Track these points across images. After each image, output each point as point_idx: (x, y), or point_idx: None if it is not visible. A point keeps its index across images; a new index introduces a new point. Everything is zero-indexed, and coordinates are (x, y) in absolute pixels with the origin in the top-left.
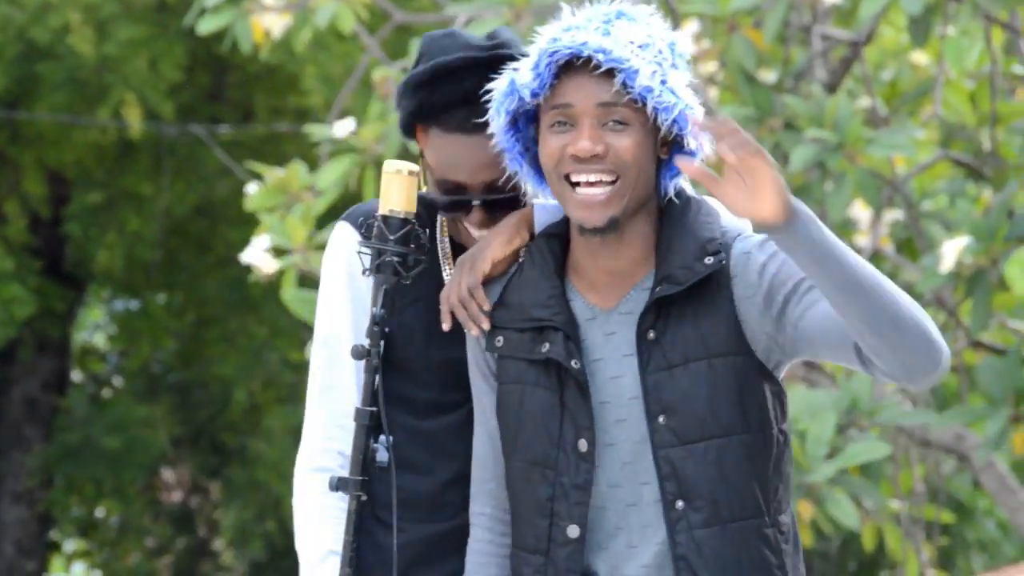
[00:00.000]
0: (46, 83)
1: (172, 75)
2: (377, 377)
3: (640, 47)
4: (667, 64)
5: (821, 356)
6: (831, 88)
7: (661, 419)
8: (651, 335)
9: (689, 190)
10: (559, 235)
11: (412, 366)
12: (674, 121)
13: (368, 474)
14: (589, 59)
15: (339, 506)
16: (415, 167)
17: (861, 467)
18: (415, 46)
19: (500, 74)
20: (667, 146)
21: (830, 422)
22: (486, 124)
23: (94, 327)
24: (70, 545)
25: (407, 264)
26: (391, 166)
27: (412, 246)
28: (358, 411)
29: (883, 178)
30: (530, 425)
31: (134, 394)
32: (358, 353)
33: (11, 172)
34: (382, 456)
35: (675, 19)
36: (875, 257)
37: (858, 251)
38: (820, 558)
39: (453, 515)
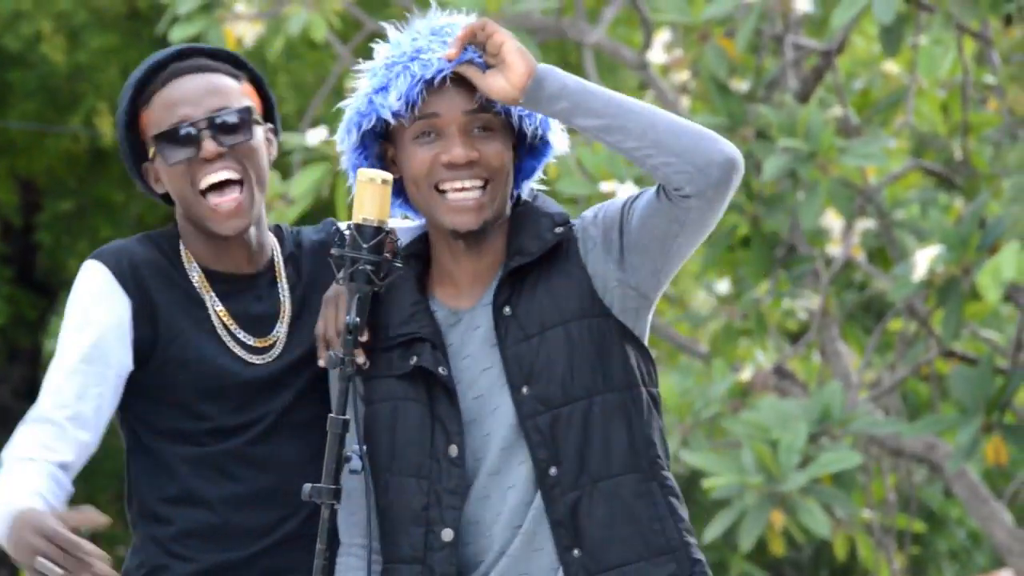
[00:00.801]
0: (18, 91)
1: None
2: (350, 385)
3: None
4: None
5: (656, 247)
6: (803, 97)
7: (524, 389)
8: (507, 310)
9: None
10: (416, 254)
11: (185, 397)
12: (538, 125)
13: (340, 483)
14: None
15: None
16: (388, 176)
17: (833, 476)
18: None
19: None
20: (515, 151)
21: (802, 432)
22: (200, 66)
23: None
24: None
25: (380, 273)
26: (364, 174)
27: (385, 254)
28: (331, 419)
29: (855, 187)
30: (403, 439)
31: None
32: (332, 362)
33: None
34: (355, 464)
35: (647, 28)
36: (847, 266)
37: (830, 261)
38: (792, 567)
39: (247, 544)
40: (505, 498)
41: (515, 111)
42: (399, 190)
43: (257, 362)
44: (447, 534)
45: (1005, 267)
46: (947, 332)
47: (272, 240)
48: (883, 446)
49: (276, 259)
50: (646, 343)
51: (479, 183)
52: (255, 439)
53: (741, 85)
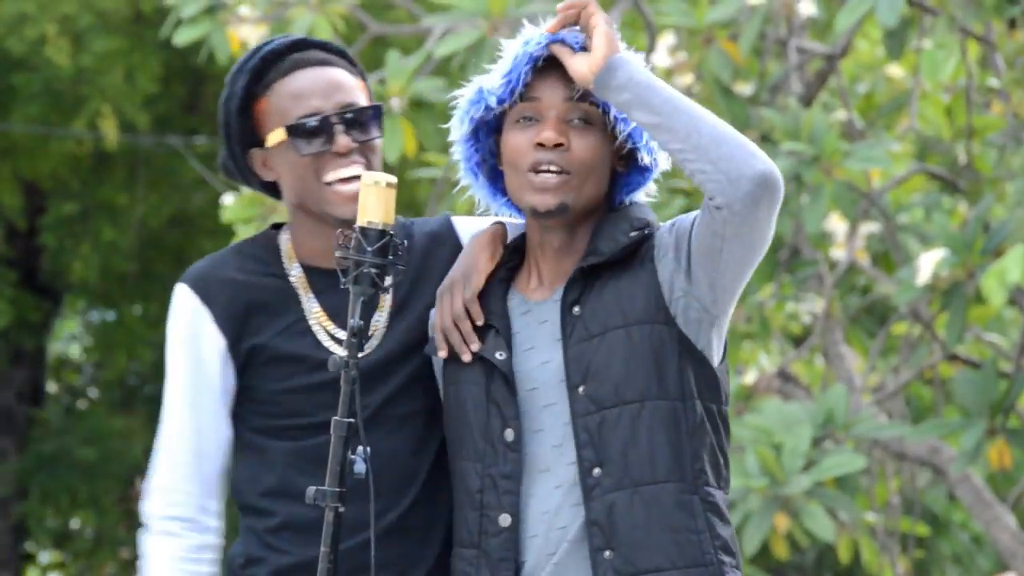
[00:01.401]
0: (22, 94)
1: (148, 86)
2: (355, 388)
3: None
4: None
5: (708, 260)
6: (807, 101)
7: (580, 389)
8: (576, 309)
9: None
10: (516, 247)
11: (279, 396)
12: (629, 136)
13: (345, 485)
14: (559, 61)
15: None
16: (393, 179)
17: (836, 480)
18: (391, 58)
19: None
20: (624, 160)
21: (805, 435)
22: (320, 60)
23: (69, 338)
24: (45, 556)
25: (384, 275)
26: (369, 177)
27: (390, 257)
28: (336, 422)
29: (859, 191)
30: (463, 422)
31: (110, 405)
32: (336, 365)
33: None
34: (359, 468)
35: (651, 31)
36: (851, 270)
37: (834, 264)
38: (795, 570)
39: (345, 537)
40: (551, 496)
41: (612, 111)
42: (503, 187)
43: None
44: (504, 519)
45: (1009, 271)
46: (951, 336)
47: None
48: (887, 450)
49: None
50: (715, 360)
51: (564, 168)
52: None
53: (745, 89)
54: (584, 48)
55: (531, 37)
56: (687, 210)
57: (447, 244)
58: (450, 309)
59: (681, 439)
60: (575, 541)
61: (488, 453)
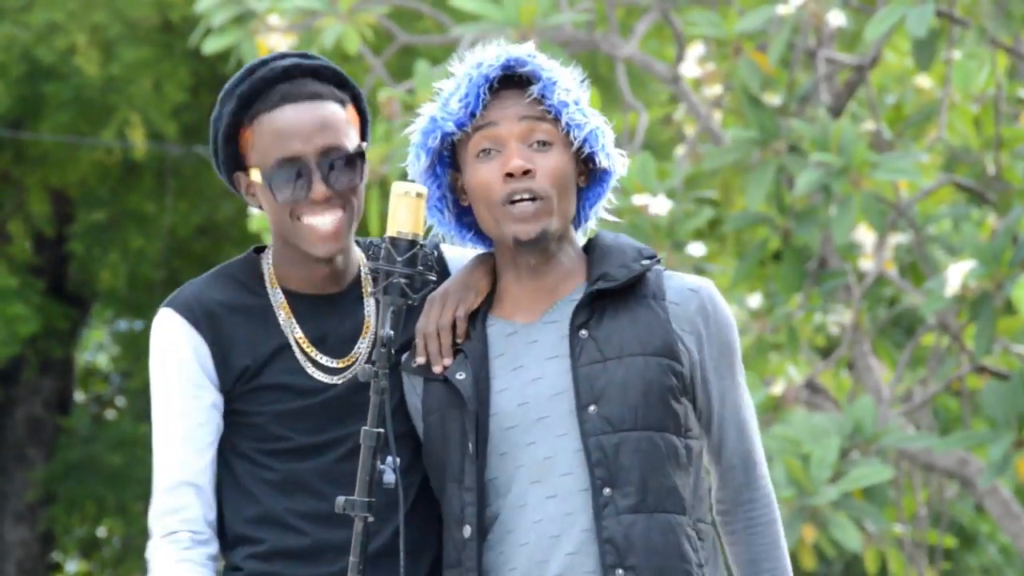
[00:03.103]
0: (51, 103)
1: (177, 96)
2: (384, 398)
3: (557, 68)
4: (578, 91)
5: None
6: (835, 112)
7: (591, 408)
8: (583, 333)
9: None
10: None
11: (264, 421)
12: (585, 140)
13: (375, 495)
14: (511, 84)
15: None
16: (424, 189)
17: (864, 491)
18: (419, 68)
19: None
20: (584, 175)
21: (834, 446)
22: (310, 93)
23: (97, 347)
24: (72, 565)
25: (414, 286)
26: (399, 187)
27: (420, 268)
28: (365, 432)
29: (887, 202)
30: (443, 447)
31: (137, 415)
32: (365, 374)
33: (15, 191)
34: (388, 478)
35: (680, 42)
36: (879, 281)
37: (862, 275)
38: None
39: (335, 560)
40: (544, 507)
41: (565, 118)
42: (468, 222)
43: (336, 382)
44: (467, 530)
45: None
46: (979, 347)
47: (359, 257)
48: (914, 461)
49: (362, 276)
50: (697, 409)
51: (537, 194)
52: (343, 457)
53: (774, 99)
54: (536, 61)
55: (484, 59)
56: (716, 222)
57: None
58: (437, 318)
59: (687, 472)
60: (577, 554)
61: (462, 469)
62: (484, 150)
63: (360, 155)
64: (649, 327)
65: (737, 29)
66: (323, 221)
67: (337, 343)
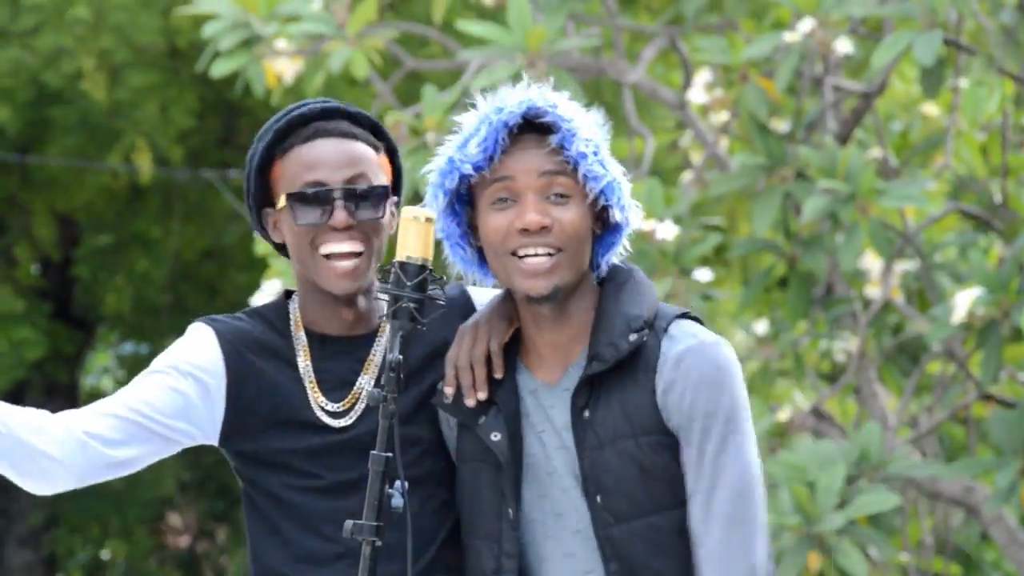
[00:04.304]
0: (58, 127)
1: (183, 121)
2: (393, 423)
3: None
4: (599, 139)
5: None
6: (842, 139)
7: (598, 499)
8: (586, 414)
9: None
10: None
11: (289, 460)
12: (601, 192)
13: (383, 519)
14: (530, 129)
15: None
16: (432, 213)
17: (870, 518)
18: (426, 93)
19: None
20: (600, 222)
21: (840, 473)
22: (344, 132)
23: (102, 371)
24: None
25: (423, 310)
26: (408, 212)
27: (428, 292)
28: (373, 456)
29: (894, 229)
30: (475, 501)
31: None
32: (374, 399)
33: (22, 215)
34: (397, 501)
35: (687, 68)
36: (886, 308)
37: (868, 302)
38: None
39: None
40: (556, 559)
41: (583, 168)
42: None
43: (339, 425)
44: None
45: None
46: (985, 375)
47: (382, 305)
48: (920, 489)
49: (381, 321)
50: None
51: (552, 250)
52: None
53: (781, 126)
54: (558, 111)
55: (505, 104)
56: (723, 248)
57: (464, 311)
58: (470, 350)
59: (688, 544)
60: None
61: (501, 530)
62: (500, 199)
63: (384, 193)
64: (638, 406)
65: (744, 56)
66: (340, 250)
67: (339, 386)
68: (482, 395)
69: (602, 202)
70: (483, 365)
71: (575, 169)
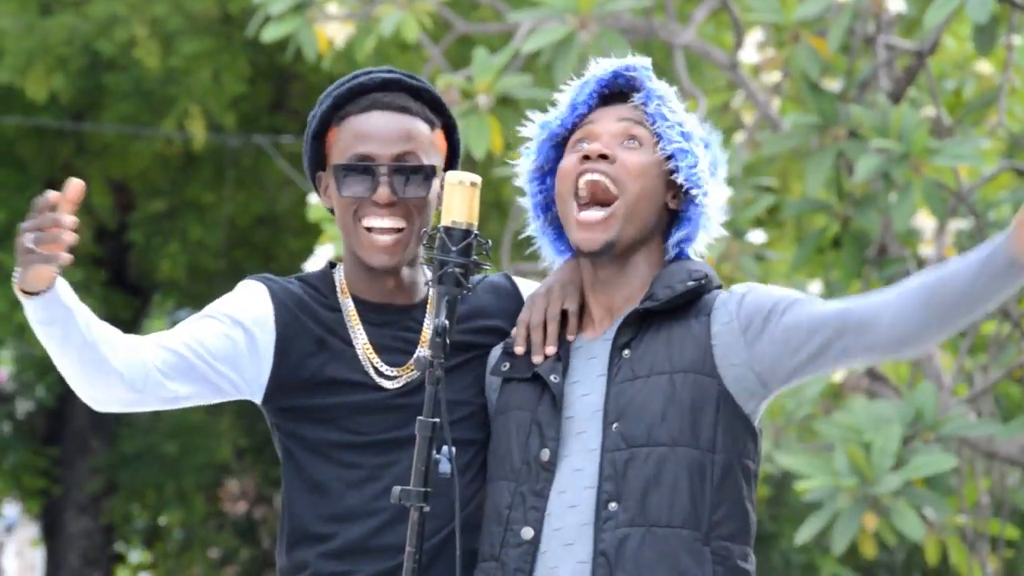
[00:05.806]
0: (112, 95)
1: (235, 87)
2: (440, 388)
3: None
4: (684, 115)
5: (793, 355)
6: (895, 98)
7: (615, 425)
8: (626, 353)
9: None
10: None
11: (336, 416)
12: (672, 155)
13: (430, 485)
14: (620, 96)
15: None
16: (477, 178)
17: (926, 479)
18: (477, 56)
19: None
20: (678, 199)
21: (895, 434)
22: (401, 106)
23: None
24: (135, 555)
25: (468, 275)
26: (454, 177)
27: (474, 257)
28: (420, 422)
29: (948, 188)
30: (506, 446)
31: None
32: (421, 364)
33: None
34: (444, 467)
35: (739, 28)
36: None
37: (922, 262)
38: (885, 570)
39: (398, 555)
40: (564, 516)
41: (659, 127)
42: (563, 235)
43: (394, 387)
44: (527, 532)
45: None
46: None
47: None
48: (976, 449)
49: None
50: (756, 423)
51: (607, 180)
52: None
53: (833, 85)
54: (645, 73)
55: (597, 69)
56: (775, 208)
57: (508, 295)
58: (544, 309)
59: (704, 489)
60: (586, 563)
61: (523, 472)
62: (578, 140)
63: (431, 173)
64: (682, 345)
65: (796, 16)
66: (382, 225)
67: (399, 352)
68: (551, 349)
69: (671, 165)
70: (556, 322)
71: (653, 128)
